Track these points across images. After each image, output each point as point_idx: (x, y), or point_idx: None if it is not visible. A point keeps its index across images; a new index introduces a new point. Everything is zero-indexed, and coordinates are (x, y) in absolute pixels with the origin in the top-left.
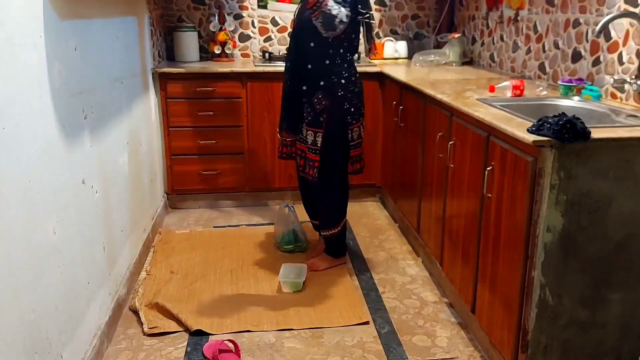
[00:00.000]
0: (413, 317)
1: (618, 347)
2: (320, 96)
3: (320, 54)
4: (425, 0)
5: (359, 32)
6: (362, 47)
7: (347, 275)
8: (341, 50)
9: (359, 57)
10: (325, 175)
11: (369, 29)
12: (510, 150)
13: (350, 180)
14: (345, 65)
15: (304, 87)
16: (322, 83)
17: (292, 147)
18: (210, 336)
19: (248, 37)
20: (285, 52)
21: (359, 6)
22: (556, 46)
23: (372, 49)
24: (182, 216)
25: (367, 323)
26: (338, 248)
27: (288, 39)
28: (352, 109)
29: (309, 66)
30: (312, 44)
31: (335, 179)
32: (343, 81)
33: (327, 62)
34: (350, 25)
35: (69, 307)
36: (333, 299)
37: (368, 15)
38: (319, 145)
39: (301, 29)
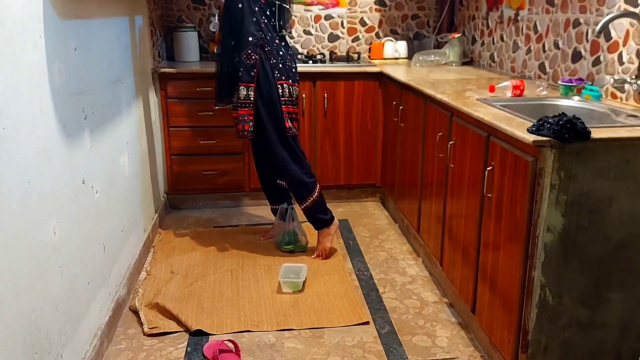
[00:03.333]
0: (413, 317)
1: (618, 347)
2: (249, 51)
3: (249, 13)
4: (425, 0)
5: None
6: (362, 47)
7: (347, 275)
8: (266, 13)
9: (358, 57)
10: (261, 130)
11: (281, 11)
12: (511, 150)
13: (350, 180)
14: (270, 27)
15: (233, 43)
16: (250, 39)
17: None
18: (210, 336)
19: None
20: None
21: None
22: (556, 46)
23: (287, 28)
24: (182, 216)
25: (367, 323)
26: (323, 216)
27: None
28: (280, 65)
29: (240, 27)
30: (240, 5)
31: (277, 140)
32: (268, 38)
33: (255, 19)
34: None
35: (69, 307)
36: (333, 299)
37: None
38: (251, 99)
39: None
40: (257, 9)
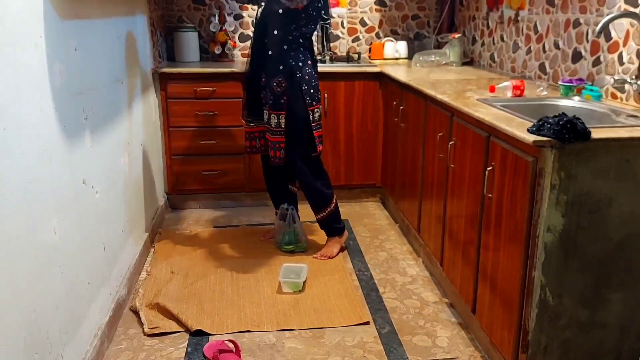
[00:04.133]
0: (413, 317)
1: (618, 347)
2: (279, 79)
3: (280, 40)
4: (425, 0)
5: (315, 25)
6: (363, 48)
7: (347, 275)
8: (300, 40)
9: (359, 57)
10: (302, 159)
11: (326, 32)
12: (511, 150)
13: (351, 180)
14: (302, 49)
15: (265, 72)
16: (281, 67)
17: (261, 140)
18: (210, 336)
19: (248, 37)
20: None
21: (322, 12)
22: (556, 46)
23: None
24: (182, 216)
25: (367, 323)
26: (337, 225)
27: None
28: (312, 91)
29: (270, 52)
30: (275, 32)
31: (312, 161)
32: (300, 64)
33: (285, 47)
34: (307, 15)
35: (70, 307)
36: (333, 299)
37: (329, 21)
38: (282, 126)
39: (265, 17)
40: (292, 36)
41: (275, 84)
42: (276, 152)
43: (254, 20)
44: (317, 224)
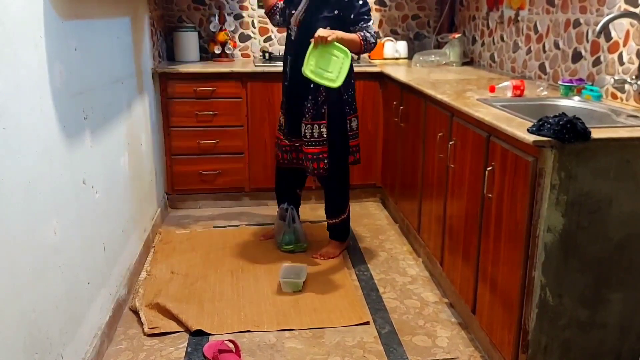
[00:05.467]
0: (413, 317)
1: (618, 347)
2: (322, 89)
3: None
4: (425, 0)
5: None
6: None
7: (348, 275)
8: None
9: (358, 58)
10: (334, 166)
11: None
12: (511, 150)
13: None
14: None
15: (308, 83)
16: None
17: (293, 153)
18: (210, 336)
19: (248, 37)
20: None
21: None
22: (556, 46)
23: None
24: (182, 216)
25: (367, 323)
26: (346, 231)
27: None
28: (350, 100)
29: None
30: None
31: (343, 169)
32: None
33: None
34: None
35: (70, 307)
36: (333, 299)
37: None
38: (324, 136)
39: (308, 27)
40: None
41: (317, 93)
42: (319, 162)
43: (290, 35)
44: (317, 224)
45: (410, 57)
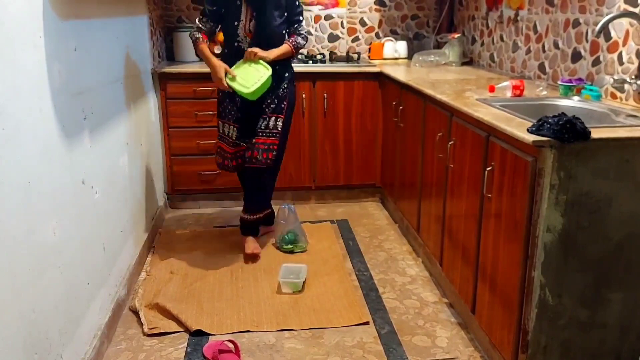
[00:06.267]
0: (413, 317)
1: (618, 347)
2: (285, 85)
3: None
4: (425, 0)
5: None
6: (362, 48)
7: (347, 275)
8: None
9: (358, 57)
10: (278, 159)
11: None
12: (510, 150)
13: (350, 180)
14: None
15: (273, 82)
16: (286, 74)
17: (239, 159)
18: (210, 336)
19: None
20: None
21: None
22: (556, 46)
23: None
24: (182, 216)
25: (367, 323)
26: (272, 217)
27: None
28: (295, 95)
29: (277, 67)
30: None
31: (280, 163)
32: (293, 72)
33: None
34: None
35: (69, 307)
36: (333, 299)
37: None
38: (279, 129)
39: (264, 36)
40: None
41: (281, 90)
42: (269, 153)
43: (239, 46)
44: (317, 224)
45: (409, 57)
